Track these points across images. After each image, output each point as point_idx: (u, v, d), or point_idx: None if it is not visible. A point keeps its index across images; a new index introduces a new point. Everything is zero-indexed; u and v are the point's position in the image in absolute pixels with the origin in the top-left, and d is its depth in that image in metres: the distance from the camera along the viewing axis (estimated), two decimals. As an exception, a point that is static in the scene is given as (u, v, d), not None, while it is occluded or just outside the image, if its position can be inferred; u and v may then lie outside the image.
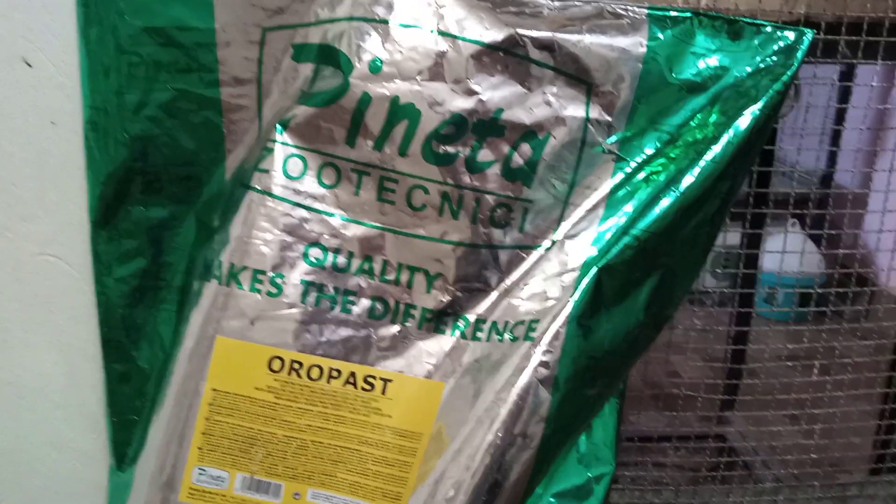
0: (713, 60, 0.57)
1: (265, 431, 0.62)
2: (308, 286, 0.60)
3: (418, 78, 0.55)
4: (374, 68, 0.55)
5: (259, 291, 0.59)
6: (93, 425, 0.69)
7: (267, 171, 0.58)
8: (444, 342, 0.62)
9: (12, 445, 0.70)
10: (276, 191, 0.58)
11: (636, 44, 0.56)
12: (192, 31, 0.57)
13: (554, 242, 0.60)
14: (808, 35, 0.56)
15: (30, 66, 0.60)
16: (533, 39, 0.55)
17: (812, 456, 1.01)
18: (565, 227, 0.60)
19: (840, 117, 1.35)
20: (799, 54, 0.56)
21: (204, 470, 0.63)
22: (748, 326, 1.20)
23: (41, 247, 0.64)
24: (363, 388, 0.61)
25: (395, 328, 0.61)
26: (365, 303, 0.61)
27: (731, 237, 1.13)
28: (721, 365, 1.23)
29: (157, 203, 0.62)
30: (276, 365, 0.60)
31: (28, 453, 0.70)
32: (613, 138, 0.58)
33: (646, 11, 0.56)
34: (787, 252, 1.07)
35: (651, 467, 1.04)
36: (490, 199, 0.59)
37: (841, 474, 1.08)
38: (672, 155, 0.58)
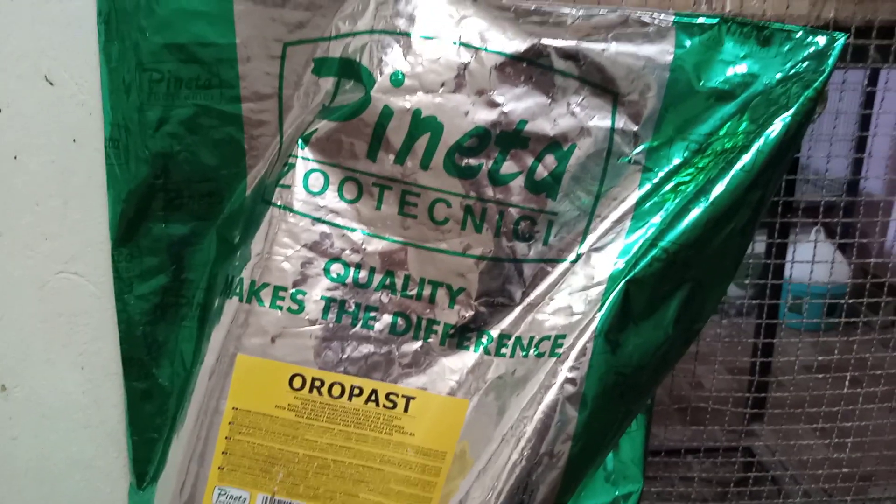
0: (742, 67, 0.56)
1: (286, 450, 0.61)
2: (329, 302, 0.59)
3: (440, 90, 0.54)
4: (396, 81, 0.54)
5: (280, 308, 0.58)
6: (114, 444, 0.69)
7: (288, 187, 0.58)
8: (467, 358, 0.60)
9: (35, 464, 0.69)
10: (298, 206, 0.58)
11: (663, 52, 0.55)
12: (214, 47, 0.56)
13: (579, 255, 0.59)
14: (840, 40, 0.54)
15: (51, 84, 0.60)
16: (557, 49, 0.54)
17: (844, 470, 0.99)
18: (591, 239, 0.59)
19: (865, 123, 1.32)
20: (830, 60, 0.54)
21: (224, 490, 0.62)
22: (774, 337, 1.18)
23: (63, 265, 0.64)
24: (385, 406, 0.60)
25: (418, 344, 0.60)
26: (387, 318, 0.60)
27: (756, 246, 1.11)
28: (747, 378, 1.20)
29: (178, 220, 0.62)
30: (297, 382, 0.60)
31: (51, 472, 0.70)
32: (640, 148, 0.57)
33: (672, 19, 0.55)
34: (814, 262, 1.05)
35: (678, 481, 1.02)
36: (514, 211, 0.58)
37: (873, 488, 1.05)
38: (701, 164, 0.56)
